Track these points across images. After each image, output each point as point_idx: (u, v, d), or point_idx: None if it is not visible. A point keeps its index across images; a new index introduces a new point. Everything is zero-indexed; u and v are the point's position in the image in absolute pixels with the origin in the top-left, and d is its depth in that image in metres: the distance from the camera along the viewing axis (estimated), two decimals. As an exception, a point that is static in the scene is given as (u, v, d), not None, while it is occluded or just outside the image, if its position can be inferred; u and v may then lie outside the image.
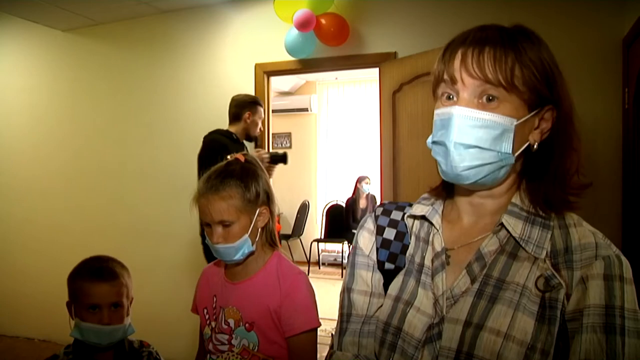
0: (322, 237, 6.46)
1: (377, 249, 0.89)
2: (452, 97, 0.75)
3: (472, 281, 0.76)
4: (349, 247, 6.19)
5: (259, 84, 3.29)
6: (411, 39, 2.90)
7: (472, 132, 0.72)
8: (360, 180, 6.05)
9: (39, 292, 3.84)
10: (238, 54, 3.34)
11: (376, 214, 0.93)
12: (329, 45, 2.99)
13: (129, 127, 3.67)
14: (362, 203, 6.06)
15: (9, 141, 4.05)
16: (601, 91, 2.49)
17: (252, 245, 1.29)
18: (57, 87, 3.88)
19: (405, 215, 0.89)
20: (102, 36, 3.72)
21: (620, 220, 2.42)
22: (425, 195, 0.90)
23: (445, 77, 0.75)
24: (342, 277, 5.97)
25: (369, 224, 0.92)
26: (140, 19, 3.57)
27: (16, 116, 4.02)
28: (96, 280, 1.32)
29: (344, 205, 6.32)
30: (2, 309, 4.03)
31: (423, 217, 0.86)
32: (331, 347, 0.91)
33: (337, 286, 5.58)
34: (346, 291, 0.90)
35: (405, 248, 0.87)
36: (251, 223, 1.27)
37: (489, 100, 0.73)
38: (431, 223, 0.85)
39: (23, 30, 3.88)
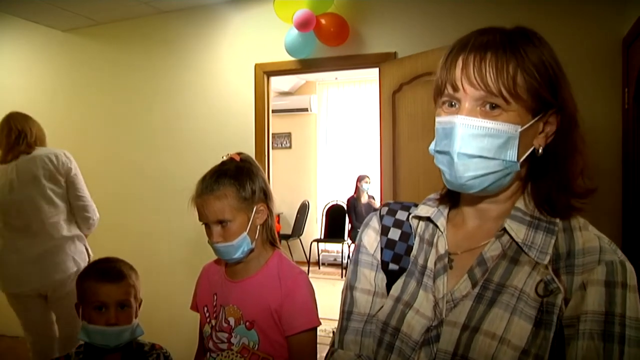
0: (322, 237, 6.46)
1: (382, 249, 0.88)
2: (454, 104, 0.75)
3: (473, 285, 0.76)
4: (349, 245, 6.19)
5: (258, 84, 3.29)
6: (411, 39, 2.90)
7: (476, 141, 0.71)
8: (360, 179, 6.06)
9: (39, 292, 3.83)
10: (238, 54, 3.34)
11: (381, 213, 0.92)
12: (329, 45, 2.99)
13: (128, 126, 3.67)
14: (363, 202, 6.07)
15: (9, 141, 4.04)
16: (601, 91, 2.49)
17: (252, 243, 1.29)
18: (57, 87, 3.88)
19: (410, 216, 0.88)
20: (102, 36, 3.72)
21: (620, 221, 2.42)
22: (431, 196, 0.89)
23: (447, 85, 0.74)
24: (342, 277, 5.98)
25: (374, 222, 0.91)
26: (140, 19, 3.57)
27: (16, 116, 4.02)
28: (103, 280, 1.33)
29: (343, 205, 6.32)
30: (2, 309, 4.02)
31: (428, 219, 0.86)
32: (332, 344, 0.89)
33: (337, 286, 5.58)
34: (349, 288, 0.89)
35: (409, 249, 0.86)
36: (249, 221, 1.28)
37: (492, 108, 0.72)
38: (436, 225, 0.84)
39: (23, 30, 3.88)
